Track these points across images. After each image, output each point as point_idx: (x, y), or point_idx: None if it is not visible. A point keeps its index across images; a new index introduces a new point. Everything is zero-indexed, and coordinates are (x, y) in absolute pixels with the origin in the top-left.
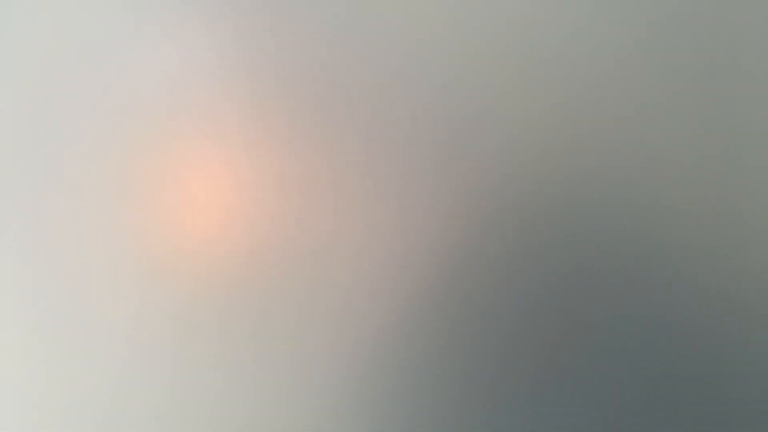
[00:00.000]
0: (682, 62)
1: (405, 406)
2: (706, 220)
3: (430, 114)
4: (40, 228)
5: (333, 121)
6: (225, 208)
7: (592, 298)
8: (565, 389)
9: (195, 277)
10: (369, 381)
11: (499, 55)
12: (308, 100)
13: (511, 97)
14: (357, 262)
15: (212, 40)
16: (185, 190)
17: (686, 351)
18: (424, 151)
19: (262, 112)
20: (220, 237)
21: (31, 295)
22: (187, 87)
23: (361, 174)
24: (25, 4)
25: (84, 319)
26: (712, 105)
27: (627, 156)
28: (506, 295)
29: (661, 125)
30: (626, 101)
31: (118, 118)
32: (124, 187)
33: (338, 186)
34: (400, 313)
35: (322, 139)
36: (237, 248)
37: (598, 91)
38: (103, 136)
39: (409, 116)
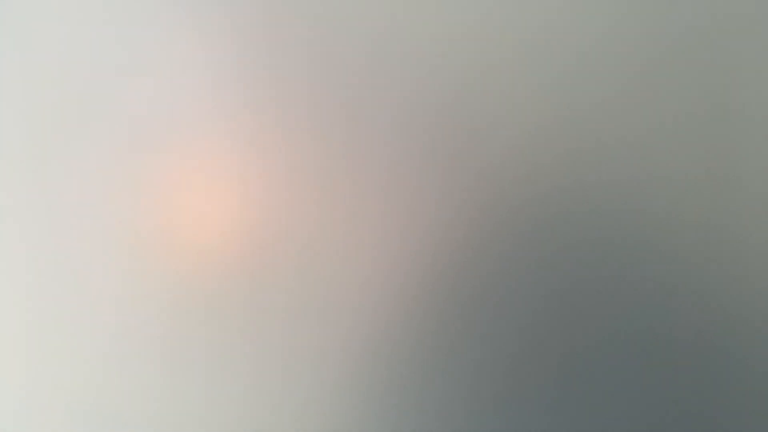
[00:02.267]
0: (688, 72)
1: (395, 402)
2: (711, 228)
3: (434, 118)
4: (40, 227)
5: (333, 124)
6: (222, 207)
7: (596, 303)
8: (568, 392)
9: (191, 274)
10: (361, 377)
11: (507, 60)
12: (307, 103)
13: (517, 102)
14: (354, 263)
15: (210, 44)
16: (181, 190)
17: (689, 355)
18: (427, 154)
19: (260, 113)
20: (217, 235)
21: (32, 293)
22: (186, 89)
23: (361, 176)
24: (29, 11)
25: (83, 315)
26: (716, 115)
27: (634, 163)
28: (507, 299)
29: (668, 134)
30: (634, 109)
31: (117, 121)
32: (121, 187)
33: (336, 186)
34: (394, 312)
35: (321, 141)
36: (233, 247)
37: (605, 98)
38: (101, 137)
39: (413, 120)
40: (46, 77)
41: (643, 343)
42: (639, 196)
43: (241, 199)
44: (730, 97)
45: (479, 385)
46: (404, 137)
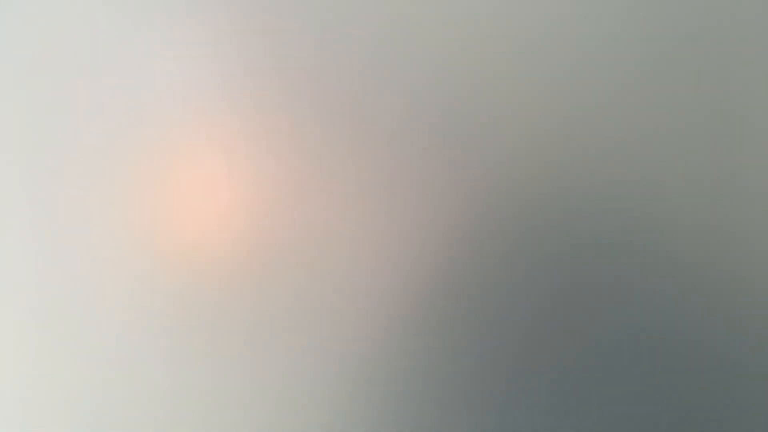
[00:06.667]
0: (690, 72)
1: (398, 405)
2: (714, 231)
3: (436, 119)
4: (42, 226)
5: (335, 124)
6: (225, 208)
7: (598, 305)
8: (569, 396)
9: (194, 275)
10: (363, 379)
11: (508, 60)
12: (310, 103)
13: (518, 102)
14: (358, 264)
15: (214, 44)
16: (185, 191)
17: (691, 358)
18: (429, 155)
19: (263, 114)
20: (220, 236)
21: (32, 293)
22: (189, 89)
23: (365, 176)
24: (30, 7)
25: (84, 316)
26: (719, 116)
27: (637, 165)
28: (509, 300)
29: (672, 136)
30: (637, 111)
31: (120, 120)
32: (125, 188)
33: (338, 187)
34: (397, 314)
35: (324, 141)
36: (236, 248)
37: (608, 100)
38: (105, 136)
39: (414, 121)
40: (47, 73)
41: (645, 346)
42: (642, 198)
43: (247, 203)
44: (733, 99)
45: (482, 387)
46: (406, 138)
